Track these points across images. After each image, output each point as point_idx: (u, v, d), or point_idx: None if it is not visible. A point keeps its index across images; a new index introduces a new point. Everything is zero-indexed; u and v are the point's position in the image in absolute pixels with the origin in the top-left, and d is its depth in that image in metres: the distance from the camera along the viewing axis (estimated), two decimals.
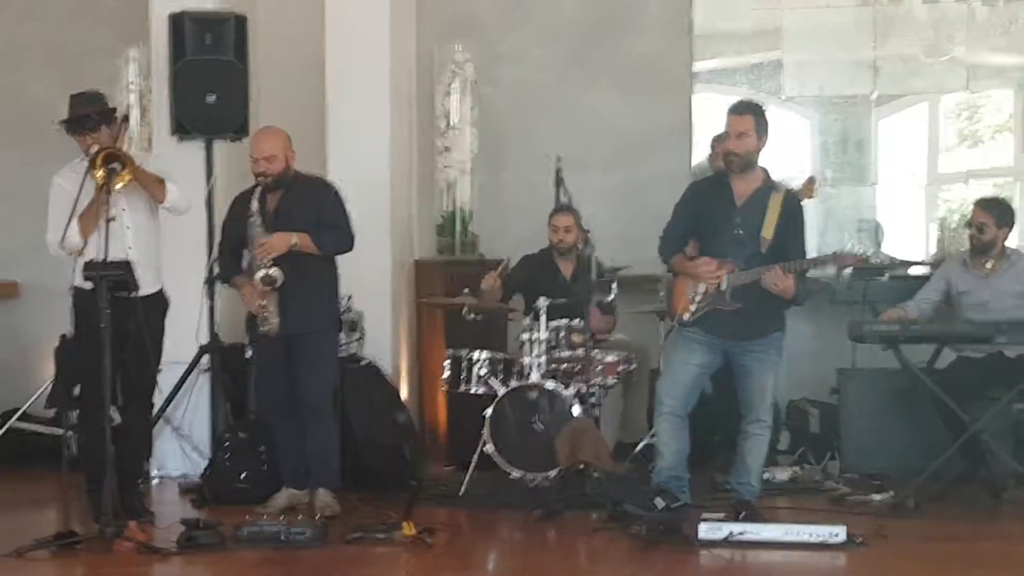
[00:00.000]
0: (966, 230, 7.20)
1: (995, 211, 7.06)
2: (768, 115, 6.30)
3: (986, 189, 8.73)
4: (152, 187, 6.12)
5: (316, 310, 6.47)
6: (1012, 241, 7.21)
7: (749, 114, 6.21)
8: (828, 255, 6.27)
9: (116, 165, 5.87)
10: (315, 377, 6.41)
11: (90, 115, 6.09)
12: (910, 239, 8.83)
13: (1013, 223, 7.12)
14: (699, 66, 8.89)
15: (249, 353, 7.02)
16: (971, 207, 7.35)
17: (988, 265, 7.04)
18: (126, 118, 6.43)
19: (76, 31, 8.89)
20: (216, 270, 6.98)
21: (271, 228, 6.31)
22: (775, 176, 6.36)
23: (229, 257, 6.62)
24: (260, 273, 6.25)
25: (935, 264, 7.92)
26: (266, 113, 7.82)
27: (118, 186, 5.90)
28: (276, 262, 6.25)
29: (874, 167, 8.89)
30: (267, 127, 6.59)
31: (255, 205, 6.32)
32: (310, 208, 6.42)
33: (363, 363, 7.33)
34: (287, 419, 6.50)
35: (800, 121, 9.14)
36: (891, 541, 5.82)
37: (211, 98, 7.32)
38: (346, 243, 6.47)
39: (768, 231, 6.16)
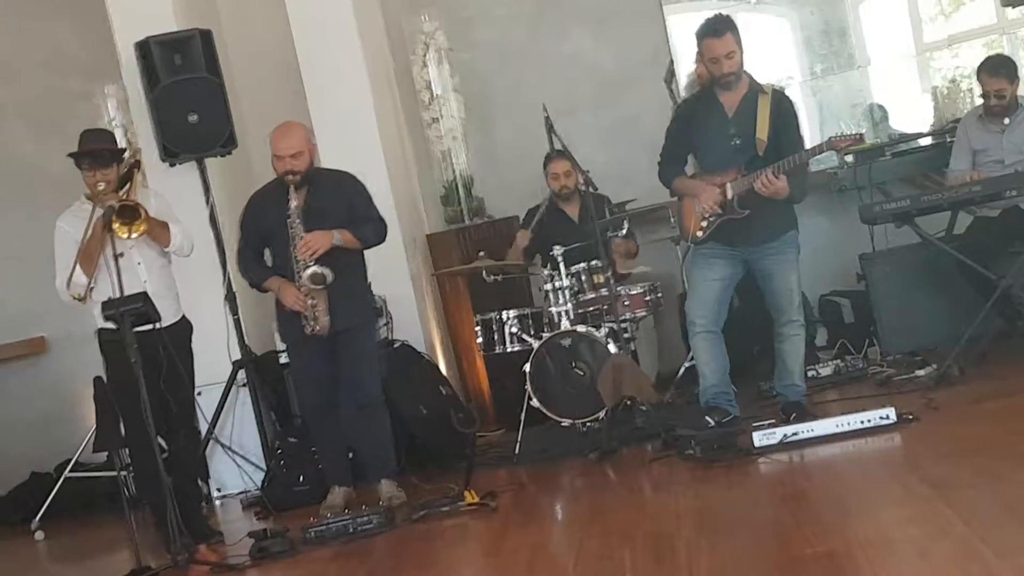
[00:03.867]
0: (980, 101, 7.10)
1: (1005, 71, 6.95)
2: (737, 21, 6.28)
3: (975, 50, 8.68)
4: (158, 233, 6.12)
5: (360, 303, 6.44)
6: None
7: (728, 32, 6.16)
8: (822, 143, 6.21)
9: (114, 202, 5.89)
10: (366, 371, 6.38)
11: (103, 150, 6.11)
12: (908, 114, 8.80)
13: (1018, 74, 7.02)
14: None
15: (284, 357, 7.07)
16: (967, 74, 7.27)
17: (1006, 121, 6.96)
18: (138, 163, 6.42)
19: (48, 82, 8.95)
20: (239, 277, 6.77)
21: (304, 226, 6.19)
22: (761, 80, 6.36)
23: (255, 260, 6.48)
24: (309, 271, 6.11)
25: (935, 133, 7.87)
26: (250, 121, 7.86)
27: (134, 236, 5.93)
28: (318, 260, 6.17)
29: (861, 50, 8.85)
30: (287, 122, 6.34)
31: (293, 204, 6.16)
32: (341, 202, 6.32)
33: (396, 345, 7.39)
34: (328, 417, 6.43)
35: (777, 22, 9.11)
36: (942, 411, 5.85)
37: (193, 117, 7.32)
38: (383, 233, 6.43)
39: (762, 132, 6.16)
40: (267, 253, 6.52)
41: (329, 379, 6.38)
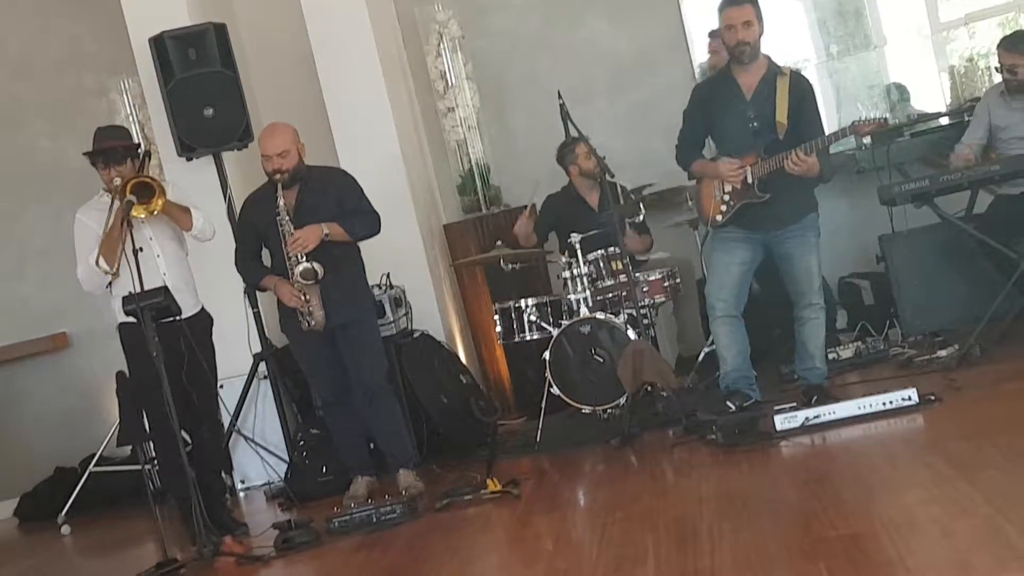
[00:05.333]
0: (997, 75, 7.05)
1: (1020, 47, 6.88)
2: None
3: (992, 29, 8.63)
4: (179, 216, 6.17)
5: (355, 297, 6.48)
6: None
7: (747, 2, 6.18)
8: (846, 127, 6.19)
9: (133, 197, 5.91)
10: (368, 363, 6.41)
11: (116, 147, 6.14)
12: (925, 93, 8.75)
13: None
14: None
15: None
16: (984, 53, 7.23)
17: None
18: (148, 154, 6.45)
19: (65, 79, 8.98)
20: (242, 274, 6.77)
21: (296, 223, 6.26)
22: (778, 62, 6.35)
23: (252, 260, 6.57)
24: (300, 268, 6.20)
25: (953, 113, 7.82)
26: (265, 115, 7.84)
27: (154, 212, 5.96)
28: (308, 256, 6.24)
29: (876, 30, 8.80)
30: (274, 123, 6.42)
31: (281, 202, 6.24)
32: (331, 198, 6.39)
33: (416, 335, 7.41)
34: (343, 409, 6.49)
35: (792, 4, 9.06)
36: (965, 391, 5.84)
37: (209, 111, 7.34)
38: (375, 225, 6.45)
39: (782, 115, 6.15)
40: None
41: (335, 372, 6.44)
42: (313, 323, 6.29)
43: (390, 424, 6.48)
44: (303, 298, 6.26)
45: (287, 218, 6.25)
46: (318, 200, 6.36)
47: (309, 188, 6.37)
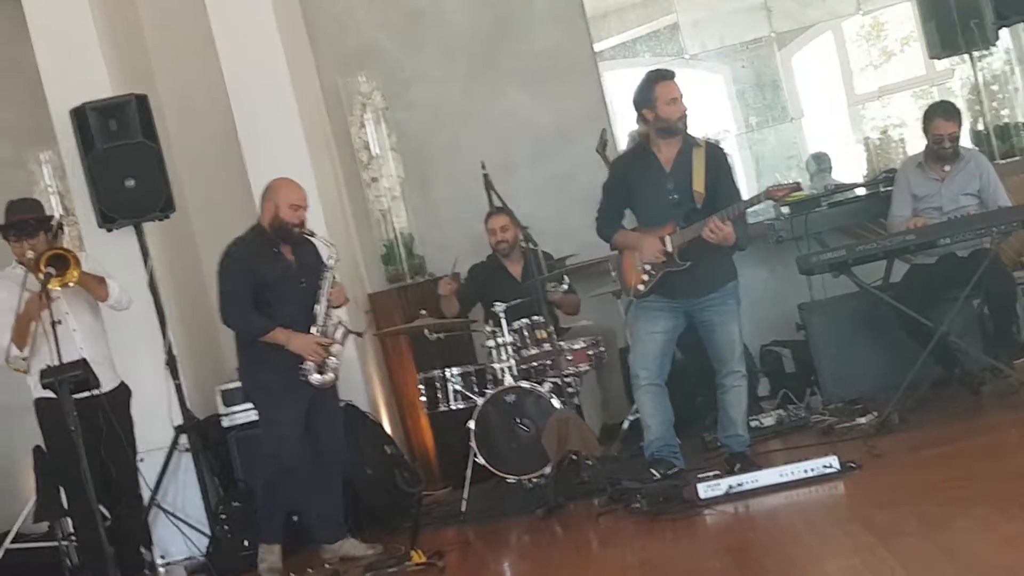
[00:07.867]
0: (912, 151, 7.13)
1: (956, 115, 6.97)
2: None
3: (905, 101, 8.83)
4: (94, 286, 6.12)
5: None
6: None
7: (674, 79, 6.32)
8: (761, 192, 6.28)
9: (51, 269, 5.85)
10: (339, 429, 6.46)
11: (28, 221, 6.08)
12: (842, 163, 8.92)
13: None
14: (600, 46, 8.97)
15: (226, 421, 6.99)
16: (897, 124, 7.34)
17: (947, 168, 6.98)
18: (61, 226, 6.40)
19: None
20: (179, 342, 6.67)
21: (305, 280, 6.30)
22: (696, 134, 6.46)
23: (254, 311, 6.24)
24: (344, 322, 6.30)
25: (869, 183, 7.97)
26: (189, 184, 7.84)
27: (69, 284, 5.90)
28: None
29: (794, 102, 8.99)
30: (289, 177, 6.50)
31: (332, 260, 6.30)
32: (319, 259, 6.43)
33: (340, 406, 7.34)
34: (293, 480, 6.29)
35: (710, 76, 9.23)
36: (884, 458, 5.90)
37: (130, 182, 7.26)
38: None
39: (699, 184, 6.24)
40: None
41: (302, 438, 6.31)
42: (328, 379, 6.27)
43: (339, 494, 6.46)
44: (334, 349, 6.26)
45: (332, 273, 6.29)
46: (312, 259, 6.40)
47: (302, 247, 6.39)
